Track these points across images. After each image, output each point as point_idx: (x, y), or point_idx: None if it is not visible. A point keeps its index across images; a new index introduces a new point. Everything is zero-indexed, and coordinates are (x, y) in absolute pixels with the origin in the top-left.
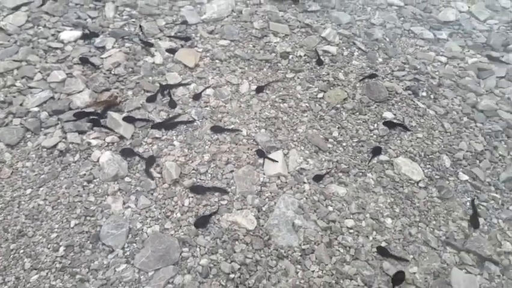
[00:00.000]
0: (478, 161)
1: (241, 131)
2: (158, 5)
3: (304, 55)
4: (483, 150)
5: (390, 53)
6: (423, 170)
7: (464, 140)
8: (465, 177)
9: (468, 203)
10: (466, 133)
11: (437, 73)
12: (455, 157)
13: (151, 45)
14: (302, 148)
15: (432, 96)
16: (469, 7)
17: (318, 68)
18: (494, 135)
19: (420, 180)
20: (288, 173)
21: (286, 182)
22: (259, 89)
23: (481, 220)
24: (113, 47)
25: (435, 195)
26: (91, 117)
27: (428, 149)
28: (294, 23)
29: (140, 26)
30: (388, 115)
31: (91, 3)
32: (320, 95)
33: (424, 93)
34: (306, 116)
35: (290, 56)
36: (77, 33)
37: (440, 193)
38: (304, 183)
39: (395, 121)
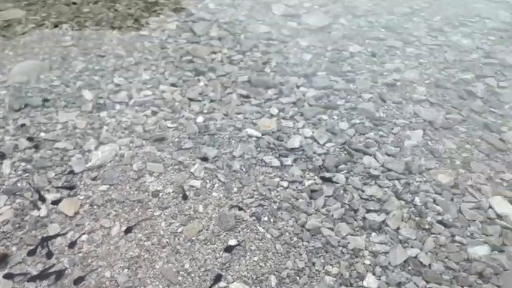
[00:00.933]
0: (298, 278)
1: None
2: (51, 156)
3: (173, 191)
4: (304, 267)
5: (244, 182)
6: None
7: (291, 259)
8: None
9: None
10: (293, 252)
11: (278, 197)
12: (280, 276)
13: (44, 199)
14: (157, 283)
15: (272, 220)
16: (313, 132)
17: (183, 202)
18: (315, 252)
19: None
20: None
21: None
22: (128, 230)
23: None
24: (5, 205)
25: None
26: None
27: (260, 271)
28: (168, 161)
29: (29, 183)
30: (232, 242)
31: None
32: (180, 229)
33: (266, 218)
34: (165, 252)
35: (160, 194)
36: None
37: None
38: None
39: (232, 244)
